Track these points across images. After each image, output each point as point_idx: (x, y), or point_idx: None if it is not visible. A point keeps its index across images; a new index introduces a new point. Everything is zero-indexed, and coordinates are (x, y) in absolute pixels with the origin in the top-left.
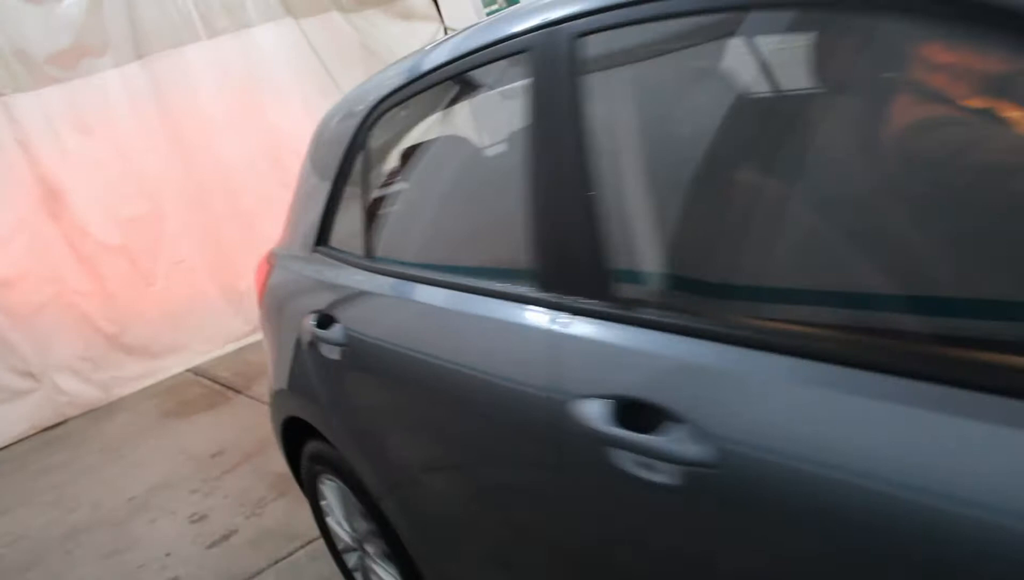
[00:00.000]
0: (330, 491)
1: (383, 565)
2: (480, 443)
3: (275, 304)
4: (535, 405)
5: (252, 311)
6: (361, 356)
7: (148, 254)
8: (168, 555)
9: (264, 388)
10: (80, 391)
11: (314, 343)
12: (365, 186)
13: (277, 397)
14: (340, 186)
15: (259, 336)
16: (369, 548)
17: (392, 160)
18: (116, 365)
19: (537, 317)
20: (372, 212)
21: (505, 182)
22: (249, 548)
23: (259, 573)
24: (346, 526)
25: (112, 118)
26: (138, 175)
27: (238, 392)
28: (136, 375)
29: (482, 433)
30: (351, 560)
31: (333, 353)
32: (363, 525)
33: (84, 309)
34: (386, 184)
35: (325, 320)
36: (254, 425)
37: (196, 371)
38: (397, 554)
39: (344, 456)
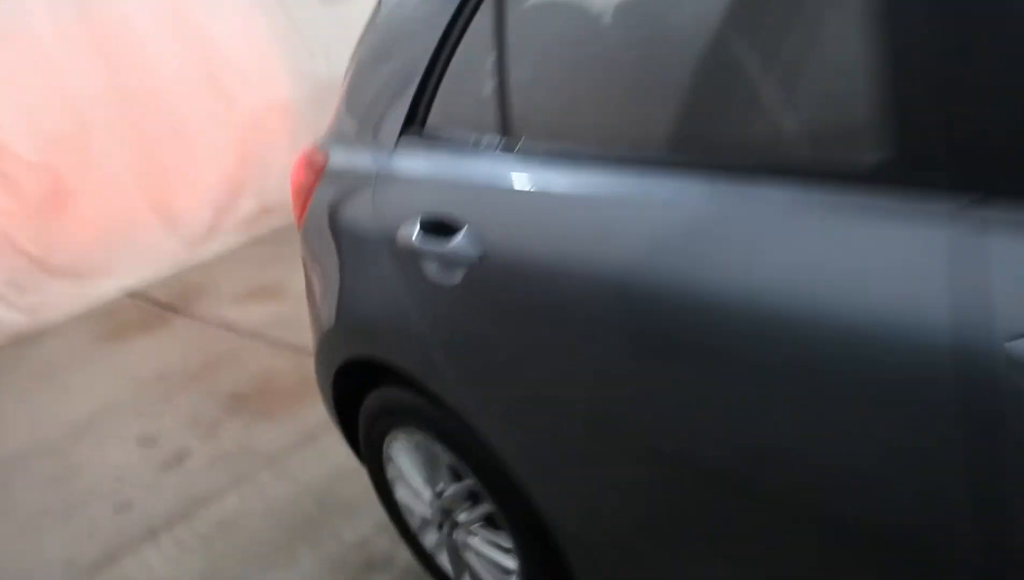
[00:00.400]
0: (404, 452)
1: (487, 537)
2: (781, 410)
3: (331, 215)
4: (924, 352)
5: (188, 230)
6: (512, 277)
7: (75, 171)
8: (119, 479)
9: (206, 308)
10: (3, 317)
11: (412, 260)
12: (500, 43)
13: (329, 338)
14: (449, 48)
15: (197, 258)
16: (463, 521)
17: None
18: (42, 288)
19: (916, 215)
20: (515, 78)
21: (798, 15)
22: (206, 470)
23: (220, 494)
24: (428, 495)
25: (29, 24)
26: (61, 88)
27: (177, 313)
28: (65, 299)
29: (793, 394)
30: (430, 537)
31: (451, 273)
32: (464, 499)
33: (5, 229)
34: (542, 38)
35: (436, 228)
36: (198, 347)
37: (131, 294)
38: (520, 535)
39: (456, 408)
